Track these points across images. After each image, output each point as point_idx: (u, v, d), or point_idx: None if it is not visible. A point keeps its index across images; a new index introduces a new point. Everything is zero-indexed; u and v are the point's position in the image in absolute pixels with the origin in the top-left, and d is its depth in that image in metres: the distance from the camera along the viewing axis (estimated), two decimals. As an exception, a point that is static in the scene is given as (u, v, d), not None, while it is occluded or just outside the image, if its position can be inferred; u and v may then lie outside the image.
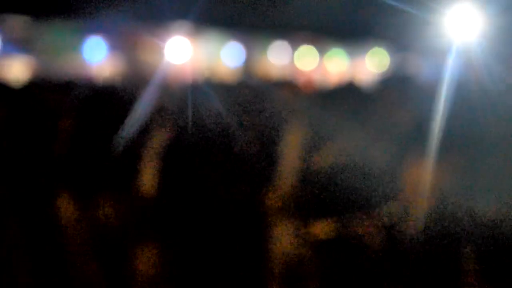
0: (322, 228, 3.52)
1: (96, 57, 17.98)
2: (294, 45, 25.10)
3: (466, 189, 3.34)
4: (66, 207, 5.08)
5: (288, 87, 4.90)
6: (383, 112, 4.27)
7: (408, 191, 3.38)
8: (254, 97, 9.26)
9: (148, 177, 4.66)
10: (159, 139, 4.76)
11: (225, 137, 7.31)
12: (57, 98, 5.39)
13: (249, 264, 5.50)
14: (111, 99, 9.66)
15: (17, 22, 15.26)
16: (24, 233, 5.79)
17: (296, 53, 24.81)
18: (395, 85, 4.03)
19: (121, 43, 18.49)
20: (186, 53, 19.68)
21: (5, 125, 5.58)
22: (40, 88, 6.45)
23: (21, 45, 15.29)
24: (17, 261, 4.63)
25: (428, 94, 5.05)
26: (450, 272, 3.12)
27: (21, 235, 5.76)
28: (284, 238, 4.91)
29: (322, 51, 26.56)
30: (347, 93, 10.06)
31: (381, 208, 3.42)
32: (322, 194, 4.69)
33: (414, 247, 3.21)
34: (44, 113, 6.31)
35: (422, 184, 3.27)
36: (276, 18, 23.35)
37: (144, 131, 4.77)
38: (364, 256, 3.53)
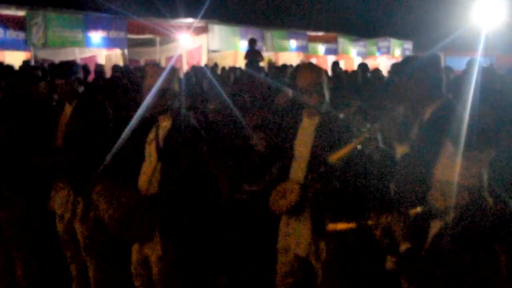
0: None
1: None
2: (312, 36, 25.09)
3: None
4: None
5: (307, 77, 4.62)
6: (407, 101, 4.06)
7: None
8: (270, 87, 9.17)
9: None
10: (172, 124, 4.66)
11: (238, 127, 7.19)
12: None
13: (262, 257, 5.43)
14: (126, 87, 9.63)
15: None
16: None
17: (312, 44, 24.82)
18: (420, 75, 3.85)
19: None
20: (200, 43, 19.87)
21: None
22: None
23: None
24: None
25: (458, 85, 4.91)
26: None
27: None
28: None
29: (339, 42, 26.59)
30: (370, 82, 9.88)
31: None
32: (345, 186, 4.57)
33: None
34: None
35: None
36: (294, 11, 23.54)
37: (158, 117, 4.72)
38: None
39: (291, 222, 4.74)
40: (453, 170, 3.08)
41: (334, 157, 4.08)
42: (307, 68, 4.74)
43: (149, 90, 4.60)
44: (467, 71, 10.00)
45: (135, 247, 4.80)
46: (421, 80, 3.82)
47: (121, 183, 4.68)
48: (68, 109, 5.41)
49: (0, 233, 5.77)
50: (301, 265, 4.81)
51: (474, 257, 2.93)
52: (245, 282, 5.91)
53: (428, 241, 3.18)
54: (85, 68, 12.80)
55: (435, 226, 3.18)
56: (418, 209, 3.17)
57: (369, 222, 3.18)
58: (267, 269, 5.29)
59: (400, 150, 3.90)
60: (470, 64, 10.01)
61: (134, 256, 4.84)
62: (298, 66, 5.04)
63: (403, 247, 3.03)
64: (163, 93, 4.60)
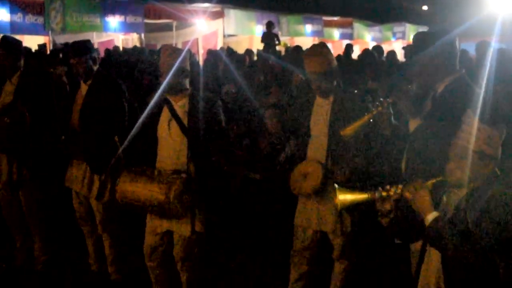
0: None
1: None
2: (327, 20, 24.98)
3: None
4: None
5: (316, 61, 4.63)
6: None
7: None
8: (285, 69, 9.20)
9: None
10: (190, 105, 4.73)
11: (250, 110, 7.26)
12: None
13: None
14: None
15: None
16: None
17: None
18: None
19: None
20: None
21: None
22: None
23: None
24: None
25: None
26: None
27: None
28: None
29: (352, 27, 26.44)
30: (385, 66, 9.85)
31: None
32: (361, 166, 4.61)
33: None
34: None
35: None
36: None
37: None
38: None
39: (310, 201, 4.79)
40: (473, 138, 3.06)
41: (347, 131, 4.10)
42: (314, 52, 4.72)
43: (165, 69, 4.66)
44: (478, 52, 10.01)
45: (153, 224, 4.86)
46: (435, 55, 3.83)
47: (142, 167, 4.78)
48: (83, 88, 5.48)
49: (18, 210, 5.87)
50: (319, 240, 4.90)
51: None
52: (258, 260, 6.00)
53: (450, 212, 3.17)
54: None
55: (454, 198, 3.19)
56: (434, 180, 3.18)
57: (378, 195, 3.20)
58: (280, 244, 5.39)
59: (413, 124, 3.95)
60: (480, 46, 10.03)
61: (151, 238, 4.89)
62: (306, 49, 4.96)
63: (430, 216, 3.04)
64: (179, 73, 4.66)
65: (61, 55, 8.94)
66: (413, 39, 4.19)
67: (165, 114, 4.79)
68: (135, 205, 4.70)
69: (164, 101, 4.79)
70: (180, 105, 4.75)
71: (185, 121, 4.71)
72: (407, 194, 3.13)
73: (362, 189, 3.29)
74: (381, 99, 4.04)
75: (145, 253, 4.93)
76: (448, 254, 3.03)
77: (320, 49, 4.72)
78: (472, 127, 3.10)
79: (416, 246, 3.75)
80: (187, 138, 4.69)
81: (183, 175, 4.59)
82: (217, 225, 5.41)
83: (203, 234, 4.79)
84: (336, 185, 3.25)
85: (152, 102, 4.82)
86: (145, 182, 4.60)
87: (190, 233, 4.70)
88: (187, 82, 4.76)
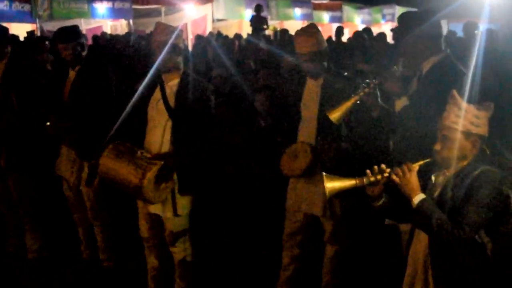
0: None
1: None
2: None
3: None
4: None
5: (305, 43, 4.60)
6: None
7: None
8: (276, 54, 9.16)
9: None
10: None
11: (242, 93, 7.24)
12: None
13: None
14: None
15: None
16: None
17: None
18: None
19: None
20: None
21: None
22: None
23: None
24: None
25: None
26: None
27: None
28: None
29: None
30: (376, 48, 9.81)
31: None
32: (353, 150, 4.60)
33: None
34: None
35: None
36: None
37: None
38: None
39: (300, 183, 4.80)
40: (461, 118, 3.09)
41: (335, 114, 4.07)
42: (305, 32, 4.68)
43: (158, 46, 4.60)
44: (465, 33, 10.05)
45: (144, 210, 4.85)
46: (419, 35, 3.84)
47: (130, 145, 4.68)
48: (71, 74, 5.43)
49: (9, 198, 5.86)
50: (310, 223, 4.91)
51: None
52: (251, 242, 6.01)
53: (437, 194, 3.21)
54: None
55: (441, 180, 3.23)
56: (421, 162, 3.19)
57: (366, 181, 3.19)
58: (272, 227, 5.39)
59: (399, 104, 3.94)
60: (467, 26, 10.06)
61: (144, 220, 4.89)
62: (295, 32, 4.91)
63: (416, 199, 3.07)
64: (172, 49, 4.58)
65: (47, 43, 8.88)
66: (398, 19, 4.17)
67: (157, 93, 4.73)
68: (114, 183, 4.65)
69: (157, 79, 4.74)
70: (171, 85, 4.67)
71: (172, 102, 4.64)
72: (395, 178, 3.14)
73: (350, 172, 3.27)
74: (367, 80, 4.02)
75: (142, 237, 4.94)
76: (433, 235, 3.05)
77: (310, 29, 4.69)
78: (459, 107, 3.11)
79: (406, 226, 3.76)
80: (171, 120, 4.63)
81: (161, 162, 4.52)
82: (207, 207, 5.41)
83: (187, 216, 4.76)
84: (323, 173, 3.23)
85: (145, 80, 4.78)
86: (126, 162, 4.52)
87: (173, 215, 4.67)
88: (180, 60, 4.68)
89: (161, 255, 4.94)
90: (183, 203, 4.70)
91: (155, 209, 4.74)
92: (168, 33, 4.61)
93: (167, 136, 4.62)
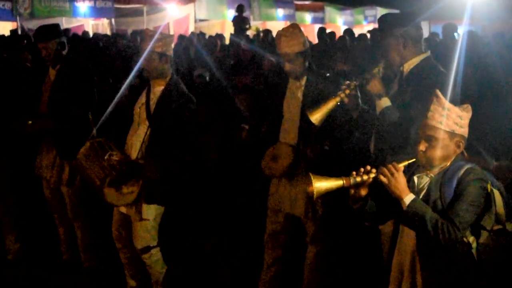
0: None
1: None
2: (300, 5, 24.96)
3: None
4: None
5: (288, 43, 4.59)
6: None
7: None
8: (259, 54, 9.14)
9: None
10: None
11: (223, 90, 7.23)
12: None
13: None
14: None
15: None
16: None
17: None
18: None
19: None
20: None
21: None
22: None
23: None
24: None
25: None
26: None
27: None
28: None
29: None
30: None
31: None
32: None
33: None
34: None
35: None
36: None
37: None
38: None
39: (282, 183, 4.79)
40: (444, 118, 3.09)
41: (316, 116, 4.06)
42: (287, 32, 4.64)
43: (145, 54, 4.58)
44: (444, 34, 10.12)
45: (117, 209, 4.82)
46: (400, 36, 3.88)
47: (108, 146, 4.69)
48: (52, 73, 5.40)
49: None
50: (292, 223, 4.90)
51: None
52: (232, 243, 6.01)
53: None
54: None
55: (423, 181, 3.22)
56: (406, 162, 3.17)
57: (353, 181, 3.18)
58: (254, 228, 5.39)
59: (381, 105, 3.95)
60: (446, 28, 10.14)
61: (116, 218, 4.88)
62: (278, 33, 4.89)
63: (407, 199, 3.04)
64: (160, 57, 4.59)
65: (25, 41, 8.83)
66: (378, 21, 4.18)
67: (143, 97, 4.74)
68: (88, 183, 4.67)
69: (145, 84, 4.72)
70: (156, 91, 4.67)
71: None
72: (383, 178, 3.12)
73: (330, 174, 3.26)
74: (348, 81, 4.02)
75: (113, 236, 4.91)
76: (428, 234, 3.04)
77: (293, 29, 4.67)
78: (443, 107, 3.12)
79: (386, 228, 3.77)
80: (149, 124, 4.61)
81: (123, 168, 4.52)
82: (191, 209, 5.38)
83: (156, 222, 4.72)
84: (310, 174, 3.22)
85: (127, 81, 4.76)
86: (93, 163, 4.55)
87: (138, 219, 4.65)
88: (167, 67, 4.67)
89: (132, 257, 4.90)
90: (150, 209, 4.66)
91: (127, 210, 4.73)
92: (156, 40, 4.59)
93: (146, 142, 4.62)
